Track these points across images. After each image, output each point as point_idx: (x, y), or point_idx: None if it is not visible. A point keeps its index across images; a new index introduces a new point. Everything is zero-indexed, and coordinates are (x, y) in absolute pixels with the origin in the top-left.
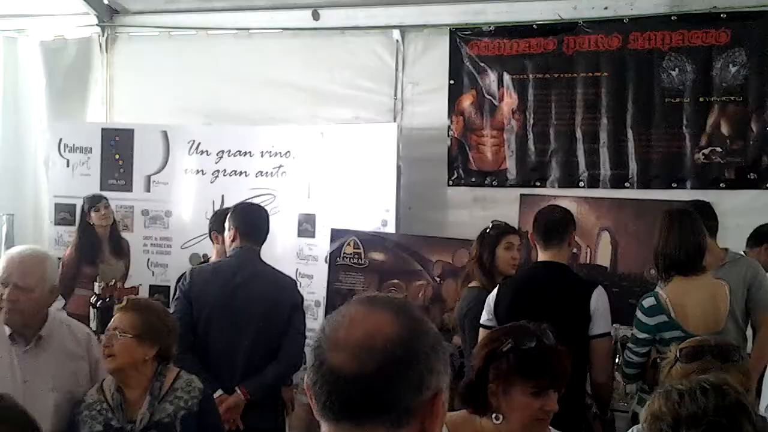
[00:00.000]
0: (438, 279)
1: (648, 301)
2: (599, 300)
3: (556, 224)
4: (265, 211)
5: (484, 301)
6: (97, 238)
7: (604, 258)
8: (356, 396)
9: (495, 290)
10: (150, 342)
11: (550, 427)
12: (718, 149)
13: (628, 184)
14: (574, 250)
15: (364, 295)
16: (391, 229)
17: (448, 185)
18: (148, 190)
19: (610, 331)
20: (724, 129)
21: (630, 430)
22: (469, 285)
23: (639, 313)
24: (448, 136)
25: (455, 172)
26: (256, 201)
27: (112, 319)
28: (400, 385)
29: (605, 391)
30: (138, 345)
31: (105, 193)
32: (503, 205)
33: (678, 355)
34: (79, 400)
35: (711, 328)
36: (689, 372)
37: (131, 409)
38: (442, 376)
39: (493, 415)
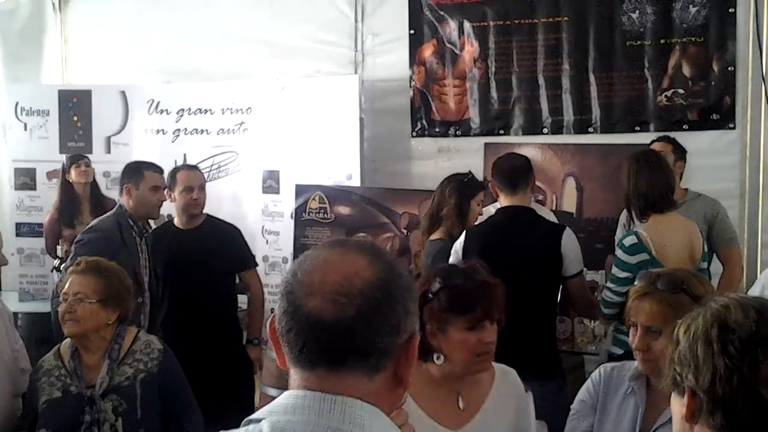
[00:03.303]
0: (405, 231)
1: (629, 240)
2: (569, 241)
3: (520, 170)
4: None
5: (449, 252)
6: (77, 197)
7: (569, 204)
8: (335, 341)
9: (461, 239)
10: (113, 306)
11: (495, 363)
12: (681, 91)
13: (592, 129)
14: (540, 197)
15: (334, 239)
16: (356, 182)
17: (412, 136)
18: (109, 152)
19: (582, 269)
20: (686, 70)
21: (602, 365)
22: (431, 238)
23: (620, 252)
24: (410, 87)
25: (418, 123)
26: (218, 159)
27: (70, 282)
28: (380, 328)
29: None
30: (101, 310)
31: (64, 156)
32: (468, 154)
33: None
34: (38, 366)
35: (687, 265)
36: (632, 291)
37: (90, 373)
38: (416, 318)
39: (435, 356)
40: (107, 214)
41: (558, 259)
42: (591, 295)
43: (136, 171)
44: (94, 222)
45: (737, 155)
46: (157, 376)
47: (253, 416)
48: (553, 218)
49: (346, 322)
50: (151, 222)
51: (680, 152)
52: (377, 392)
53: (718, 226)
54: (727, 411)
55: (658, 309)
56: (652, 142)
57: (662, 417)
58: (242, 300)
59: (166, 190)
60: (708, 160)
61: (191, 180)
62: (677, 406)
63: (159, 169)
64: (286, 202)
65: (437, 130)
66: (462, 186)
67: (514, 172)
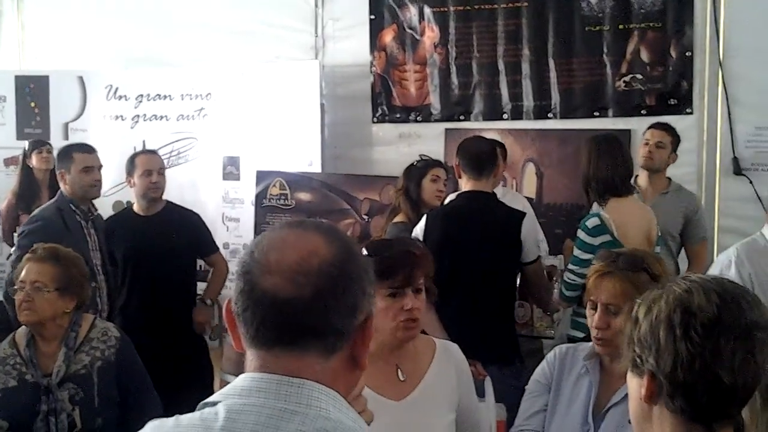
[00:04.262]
0: (366, 217)
1: (592, 222)
2: (529, 228)
3: (488, 155)
4: None
5: (410, 235)
6: (36, 184)
7: (529, 189)
8: (292, 320)
9: (422, 222)
10: (71, 295)
11: (437, 339)
12: (639, 76)
13: (551, 115)
14: (501, 184)
15: (291, 220)
16: (316, 168)
17: (373, 122)
18: (67, 138)
19: (540, 255)
20: (644, 56)
21: (557, 346)
22: (394, 221)
23: (583, 234)
24: (371, 72)
25: (379, 109)
26: (178, 145)
27: (27, 269)
28: (337, 308)
29: (552, 308)
30: (59, 298)
31: (21, 143)
32: (428, 140)
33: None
34: None
35: (645, 248)
36: (592, 271)
37: (46, 361)
38: (372, 300)
39: None
40: (48, 202)
41: (517, 245)
42: (548, 281)
43: (66, 155)
44: (35, 212)
45: (695, 140)
46: (114, 364)
47: (209, 399)
48: (526, 204)
49: (303, 301)
50: (111, 208)
51: (676, 142)
52: (334, 373)
53: (695, 222)
54: (688, 395)
55: (620, 287)
56: (649, 128)
57: (616, 396)
58: (202, 288)
59: (127, 175)
60: None
61: (150, 164)
62: (635, 386)
63: (89, 149)
64: (246, 189)
65: (398, 115)
66: (408, 171)
67: (481, 157)
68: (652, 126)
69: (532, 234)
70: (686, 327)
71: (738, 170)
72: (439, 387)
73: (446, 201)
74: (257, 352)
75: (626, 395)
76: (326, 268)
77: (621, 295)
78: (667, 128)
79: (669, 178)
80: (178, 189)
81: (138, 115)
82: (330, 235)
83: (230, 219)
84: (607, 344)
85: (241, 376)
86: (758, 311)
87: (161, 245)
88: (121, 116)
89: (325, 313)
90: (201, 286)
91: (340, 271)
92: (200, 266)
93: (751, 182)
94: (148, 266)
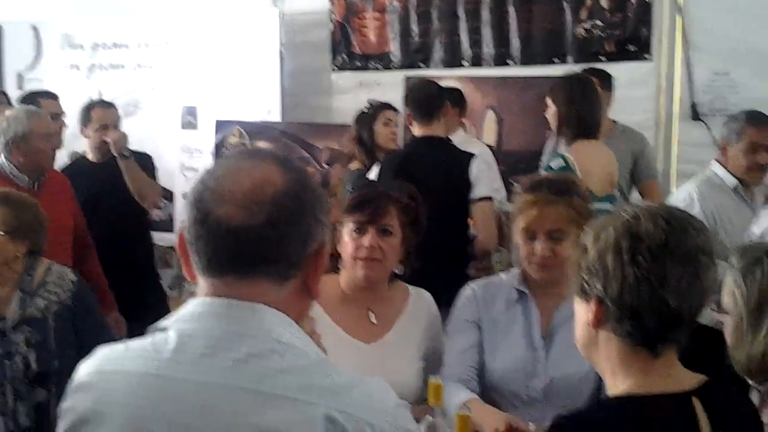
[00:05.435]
0: (326, 165)
1: (556, 163)
2: (479, 166)
3: (435, 98)
4: None
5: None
6: None
7: (489, 137)
8: (245, 248)
9: (376, 168)
10: (22, 239)
11: (411, 286)
12: (598, 22)
13: (511, 62)
14: (463, 130)
15: (244, 149)
16: (276, 117)
17: (332, 70)
18: (21, 89)
19: (491, 195)
20: (604, 2)
21: (468, 284)
22: (350, 168)
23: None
24: (331, 20)
25: (339, 57)
26: (135, 95)
27: None
28: (290, 236)
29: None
30: (10, 242)
31: None
32: (388, 88)
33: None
34: None
35: (607, 190)
36: (526, 203)
37: (1, 306)
38: (326, 229)
39: (340, 264)
40: None
41: (468, 186)
42: (493, 226)
43: (31, 102)
44: None
45: (653, 86)
46: (70, 308)
47: (160, 325)
48: (485, 150)
49: (256, 229)
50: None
51: (607, 82)
52: (286, 301)
53: (643, 161)
54: (635, 319)
55: (565, 213)
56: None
57: (557, 317)
58: (157, 237)
59: (81, 125)
60: (624, 91)
61: (106, 118)
62: (582, 312)
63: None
64: (205, 139)
65: (358, 63)
66: (360, 116)
67: (428, 100)
68: (584, 72)
69: (485, 174)
70: (633, 252)
71: (696, 116)
72: (409, 333)
73: None
74: (210, 280)
75: (572, 315)
76: (280, 197)
77: (566, 221)
78: (592, 71)
79: (614, 121)
80: (136, 139)
81: (94, 65)
82: (284, 164)
83: (189, 169)
84: (550, 270)
85: (192, 300)
86: (704, 236)
87: (116, 191)
88: (77, 66)
89: (278, 242)
90: (157, 236)
91: (293, 199)
92: (158, 217)
93: (708, 128)
94: (105, 212)
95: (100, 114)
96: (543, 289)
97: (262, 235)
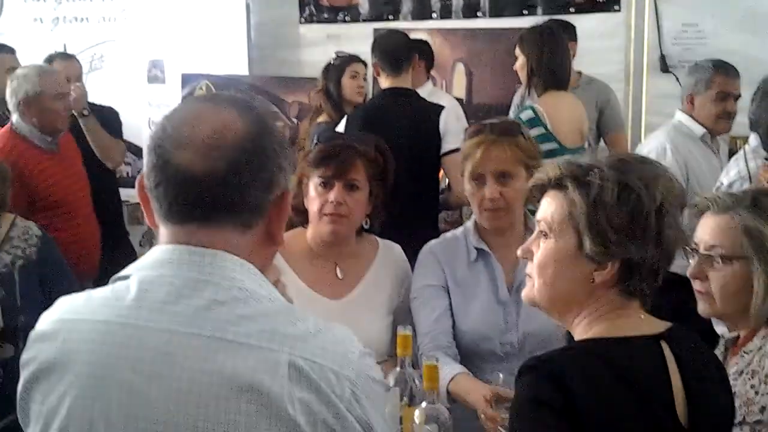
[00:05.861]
0: (295, 120)
1: (526, 114)
2: (448, 119)
3: (403, 49)
4: None
5: None
6: None
7: (459, 90)
8: (206, 195)
9: (343, 121)
10: None
11: (380, 239)
12: None
13: (480, 14)
14: (432, 83)
15: (205, 93)
16: (243, 71)
17: (300, 23)
18: None
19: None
20: None
21: (425, 246)
22: (318, 120)
23: None
24: None
25: (307, 9)
26: (100, 49)
27: None
28: (252, 183)
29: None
30: None
31: None
32: (357, 40)
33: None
34: None
35: (577, 141)
36: (471, 147)
37: None
38: (289, 176)
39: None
40: None
41: (437, 137)
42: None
43: None
44: None
45: (622, 38)
46: (36, 263)
47: (121, 273)
48: (454, 103)
49: (216, 176)
50: None
51: (570, 32)
52: (249, 249)
53: (609, 112)
54: (652, 277)
55: (511, 153)
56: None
57: (518, 273)
58: (126, 194)
59: None
60: (594, 42)
61: (67, 71)
62: (580, 270)
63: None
64: (172, 92)
65: (326, 16)
66: (327, 69)
67: (396, 51)
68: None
69: (454, 126)
70: (666, 212)
71: (665, 68)
72: (378, 288)
73: None
74: (171, 228)
75: None
76: (241, 142)
77: (512, 161)
78: (561, 24)
79: (579, 72)
80: (101, 94)
81: (58, 17)
82: (244, 108)
83: (156, 123)
84: (501, 216)
85: (154, 248)
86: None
87: (80, 148)
88: (40, 18)
89: (239, 189)
90: (125, 192)
91: (255, 145)
92: (126, 173)
93: (677, 79)
94: None
95: (61, 67)
96: (501, 242)
97: (223, 182)
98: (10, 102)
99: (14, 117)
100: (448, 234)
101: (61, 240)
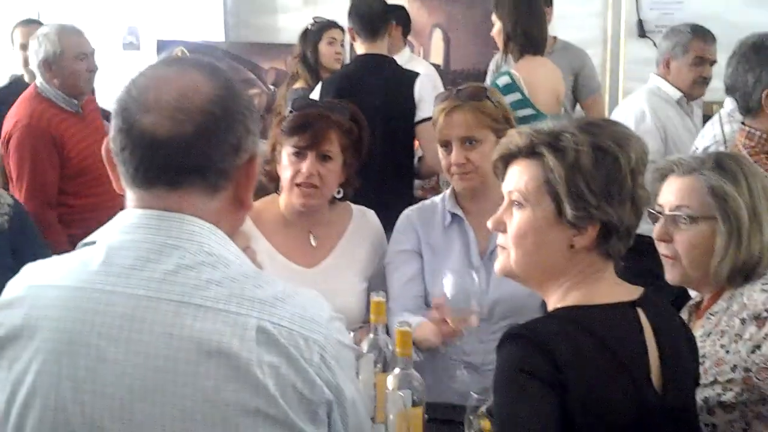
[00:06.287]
0: (272, 87)
1: (503, 80)
2: (423, 87)
3: (379, 16)
4: None
5: None
6: None
7: (437, 56)
8: (173, 159)
9: (318, 87)
10: None
11: (354, 205)
12: None
13: None
14: (409, 50)
15: (170, 57)
16: (220, 37)
17: None
18: None
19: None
20: None
21: (404, 213)
22: (294, 86)
23: None
24: None
25: None
26: (73, 15)
27: None
28: (219, 146)
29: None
30: None
31: None
32: (334, 6)
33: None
34: None
35: (553, 107)
36: (437, 113)
37: None
38: (257, 139)
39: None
40: None
41: (412, 104)
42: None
43: None
44: None
45: (600, 3)
46: (7, 231)
47: (88, 239)
48: (431, 69)
49: (183, 139)
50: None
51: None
52: (218, 213)
53: (584, 77)
54: (628, 237)
55: (473, 117)
56: None
57: (492, 239)
58: None
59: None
60: (571, 7)
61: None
62: (557, 236)
63: None
64: (147, 59)
65: None
66: (304, 34)
67: (372, 15)
68: None
69: (429, 94)
70: (640, 174)
71: (642, 33)
72: (352, 255)
73: None
74: (138, 192)
75: None
76: (207, 105)
77: (475, 126)
78: None
79: (554, 37)
80: None
81: None
82: (211, 71)
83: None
84: (470, 179)
85: (120, 213)
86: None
87: None
88: None
89: (206, 152)
90: None
91: (221, 108)
92: None
93: (655, 45)
94: None
95: (24, 33)
96: (477, 208)
97: (190, 146)
98: (33, 63)
99: (38, 80)
100: (428, 200)
101: (92, 205)
